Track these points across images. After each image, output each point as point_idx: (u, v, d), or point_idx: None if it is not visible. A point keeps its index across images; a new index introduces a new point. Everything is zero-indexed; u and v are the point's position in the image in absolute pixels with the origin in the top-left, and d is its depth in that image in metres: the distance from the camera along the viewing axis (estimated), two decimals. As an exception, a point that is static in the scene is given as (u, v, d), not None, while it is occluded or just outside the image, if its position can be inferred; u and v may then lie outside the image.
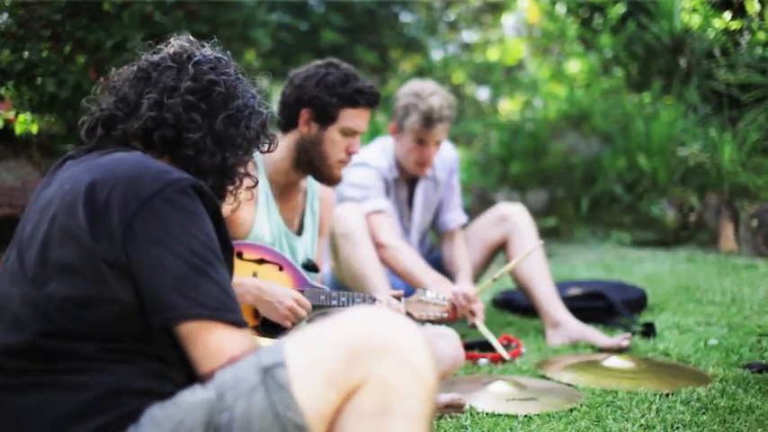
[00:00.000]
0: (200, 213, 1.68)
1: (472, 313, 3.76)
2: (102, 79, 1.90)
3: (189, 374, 1.68)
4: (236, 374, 1.59)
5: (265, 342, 1.96)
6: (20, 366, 1.65)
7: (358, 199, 4.03)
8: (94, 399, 1.63)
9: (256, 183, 2.91)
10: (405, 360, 1.59)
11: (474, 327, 3.78)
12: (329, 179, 3.20)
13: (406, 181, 4.34)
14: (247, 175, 1.99)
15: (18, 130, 5.42)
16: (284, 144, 3.14)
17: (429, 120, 4.03)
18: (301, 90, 3.11)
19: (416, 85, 4.19)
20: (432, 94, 4.07)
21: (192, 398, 1.60)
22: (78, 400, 1.62)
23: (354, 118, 3.14)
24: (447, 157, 4.47)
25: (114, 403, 1.63)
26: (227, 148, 1.86)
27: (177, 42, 1.95)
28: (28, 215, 1.78)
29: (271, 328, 2.98)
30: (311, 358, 1.58)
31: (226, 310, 1.65)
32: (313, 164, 3.14)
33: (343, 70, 3.14)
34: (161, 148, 1.79)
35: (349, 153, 3.17)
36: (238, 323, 1.66)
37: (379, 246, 3.90)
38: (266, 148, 2.07)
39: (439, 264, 4.40)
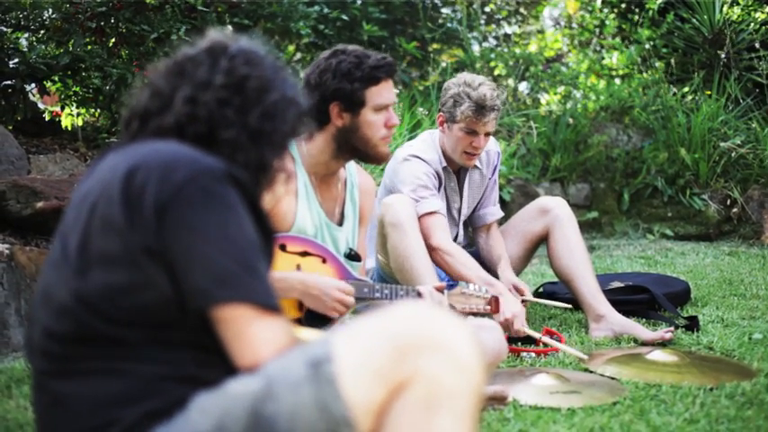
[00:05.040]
0: (235, 202, 1.66)
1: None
2: (145, 73, 1.89)
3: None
4: (284, 367, 1.58)
5: (307, 333, 1.96)
6: (66, 352, 1.67)
7: (412, 197, 4.04)
8: (140, 385, 1.64)
9: (293, 176, 2.92)
10: (453, 357, 1.59)
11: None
12: (377, 158, 3.20)
13: (453, 171, 4.34)
14: (283, 168, 1.94)
15: (64, 122, 5.50)
16: (320, 139, 3.14)
17: (481, 108, 4.02)
18: (322, 87, 3.10)
19: (466, 75, 4.17)
20: (482, 84, 4.07)
21: (239, 387, 1.60)
22: (124, 386, 1.64)
23: (381, 92, 3.12)
24: (491, 150, 4.47)
25: (160, 389, 1.64)
26: (263, 144, 1.83)
27: (213, 35, 1.91)
28: (71, 205, 1.79)
29: (314, 320, 2.99)
30: (359, 353, 1.58)
31: (263, 297, 1.64)
32: (358, 149, 3.14)
33: (353, 52, 3.12)
34: (195, 144, 1.76)
35: (389, 127, 3.16)
36: (276, 311, 1.65)
37: (432, 249, 3.92)
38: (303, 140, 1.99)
39: (476, 256, 4.41)
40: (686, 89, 8.18)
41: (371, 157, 3.18)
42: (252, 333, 1.62)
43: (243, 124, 1.80)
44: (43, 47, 5.22)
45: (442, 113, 4.20)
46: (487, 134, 4.13)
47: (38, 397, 1.74)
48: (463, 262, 3.95)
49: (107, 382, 1.65)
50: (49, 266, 1.76)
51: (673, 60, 8.54)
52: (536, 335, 3.74)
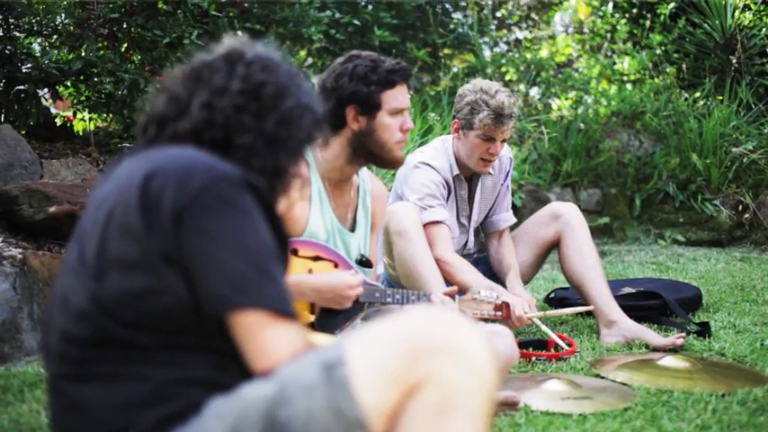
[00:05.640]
0: (252, 209, 1.67)
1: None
2: (158, 78, 1.89)
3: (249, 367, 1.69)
4: (297, 371, 1.59)
5: (320, 338, 1.97)
6: (83, 356, 1.67)
7: (418, 205, 4.03)
8: (156, 389, 1.65)
9: (308, 182, 2.92)
10: (466, 359, 1.59)
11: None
12: (391, 162, 3.21)
13: (465, 178, 4.33)
14: (298, 174, 1.95)
15: (76, 127, 5.52)
16: (336, 143, 3.15)
17: (500, 115, 4.01)
18: (338, 91, 3.12)
19: (481, 82, 4.16)
20: (499, 91, 4.06)
21: (254, 391, 1.60)
22: (140, 390, 1.64)
23: (397, 96, 3.14)
24: (503, 156, 4.45)
25: (176, 394, 1.65)
26: (278, 150, 1.83)
27: (229, 41, 1.92)
28: (87, 210, 1.80)
29: (326, 324, 3.00)
30: (372, 356, 1.58)
31: (278, 303, 1.64)
32: (373, 153, 3.15)
33: (368, 57, 3.16)
34: (211, 150, 1.77)
35: (404, 131, 3.18)
36: (291, 317, 1.66)
37: (435, 260, 3.90)
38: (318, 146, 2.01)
39: (487, 262, 4.40)
40: (698, 94, 8.17)
41: (386, 162, 3.19)
42: (267, 338, 1.63)
43: (259, 130, 1.80)
44: (56, 52, 5.24)
45: (457, 120, 4.19)
46: (503, 141, 4.13)
47: (54, 401, 1.75)
48: (464, 270, 3.95)
49: (123, 387, 1.65)
50: (67, 271, 1.76)
51: (684, 65, 8.53)
52: (540, 323, 3.76)
